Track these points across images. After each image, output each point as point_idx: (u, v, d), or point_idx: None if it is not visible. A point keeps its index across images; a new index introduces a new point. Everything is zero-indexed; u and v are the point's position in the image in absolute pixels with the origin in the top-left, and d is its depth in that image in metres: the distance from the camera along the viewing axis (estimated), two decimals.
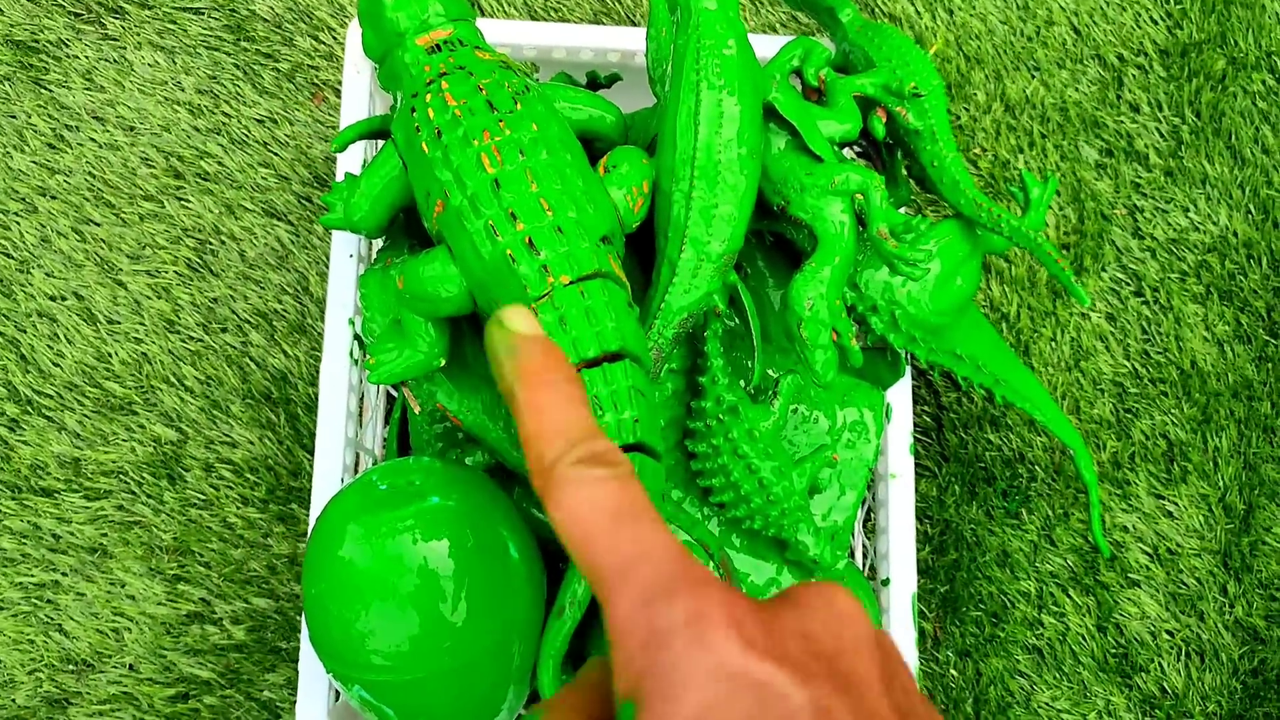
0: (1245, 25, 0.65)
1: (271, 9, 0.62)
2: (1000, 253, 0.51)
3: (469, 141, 0.38)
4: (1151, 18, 0.65)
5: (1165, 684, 0.58)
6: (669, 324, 0.43)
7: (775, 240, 0.49)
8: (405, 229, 0.47)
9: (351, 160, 0.51)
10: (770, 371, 0.47)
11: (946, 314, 0.48)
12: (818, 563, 0.44)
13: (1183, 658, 0.58)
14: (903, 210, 0.51)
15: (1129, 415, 0.61)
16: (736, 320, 0.47)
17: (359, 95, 0.50)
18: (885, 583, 0.48)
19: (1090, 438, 0.60)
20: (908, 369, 0.50)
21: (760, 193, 0.45)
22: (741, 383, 0.46)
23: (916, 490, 0.58)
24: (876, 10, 0.65)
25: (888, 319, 0.48)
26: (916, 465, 0.59)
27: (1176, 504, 0.60)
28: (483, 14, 0.63)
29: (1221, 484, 0.60)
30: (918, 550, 0.58)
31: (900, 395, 0.50)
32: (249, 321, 0.59)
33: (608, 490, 0.23)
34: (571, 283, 0.37)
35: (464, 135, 0.38)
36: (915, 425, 0.59)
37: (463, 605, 0.41)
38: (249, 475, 0.57)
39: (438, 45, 0.42)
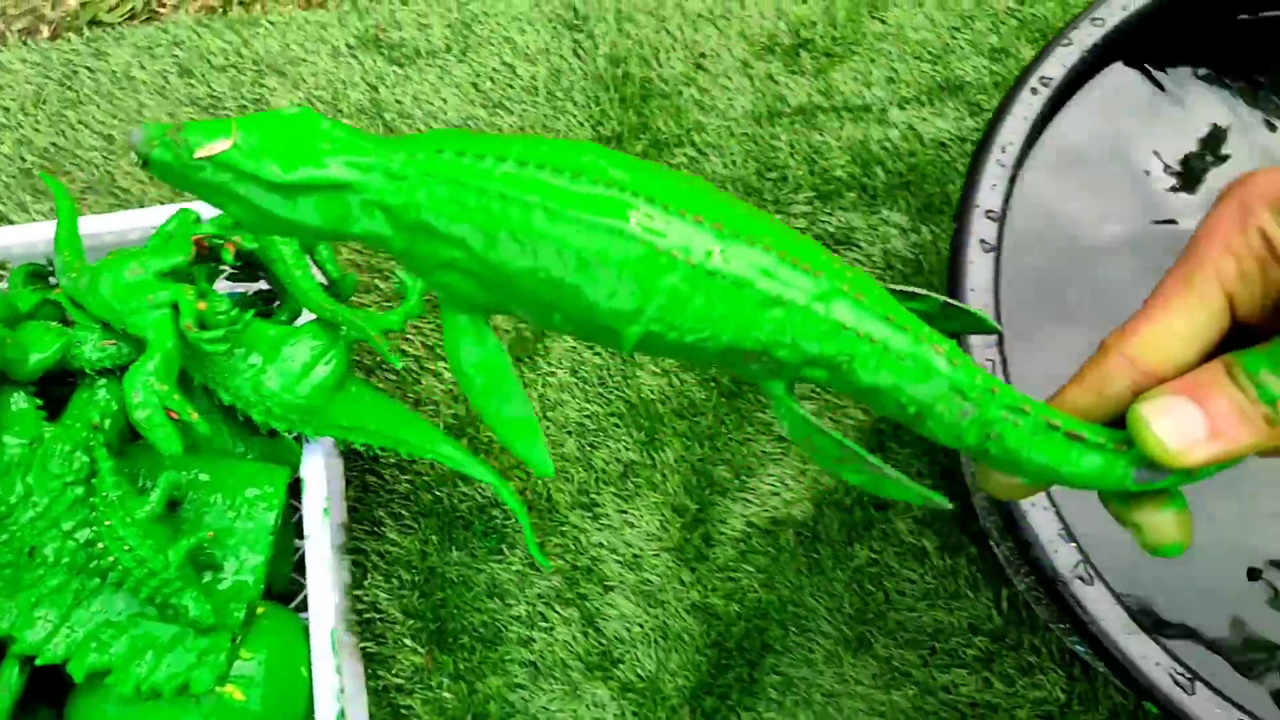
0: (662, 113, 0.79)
1: None
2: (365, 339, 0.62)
3: None
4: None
5: (640, 670, 0.67)
6: None
7: None
8: None
9: None
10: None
11: (318, 395, 0.59)
12: (199, 621, 0.54)
13: (652, 644, 0.67)
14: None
15: (590, 449, 0.71)
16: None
17: None
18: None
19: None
20: (319, 444, 0.61)
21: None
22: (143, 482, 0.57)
23: (400, 547, 0.68)
24: None
25: (263, 410, 0.59)
26: (401, 525, 0.69)
27: (636, 514, 0.70)
28: None
29: (671, 491, 0.70)
30: (403, 597, 0.68)
31: (315, 470, 0.61)
32: None
33: None
34: None
35: None
36: (395, 494, 0.70)
37: None
38: None
39: None
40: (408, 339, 0.74)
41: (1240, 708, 0.46)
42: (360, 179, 0.30)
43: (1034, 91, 0.55)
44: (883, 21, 0.83)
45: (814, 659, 0.68)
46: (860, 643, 0.68)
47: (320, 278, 0.64)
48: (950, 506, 0.31)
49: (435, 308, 0.75)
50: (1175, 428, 0.26)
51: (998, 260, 0.51)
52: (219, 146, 0.30)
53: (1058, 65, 0.55)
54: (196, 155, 0.30)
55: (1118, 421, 0.30)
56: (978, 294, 0.50)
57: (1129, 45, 0.58)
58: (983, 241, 0.52)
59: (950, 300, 0.32)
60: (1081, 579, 0.48)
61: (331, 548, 0.62)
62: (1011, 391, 0.30)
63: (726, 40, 0.82)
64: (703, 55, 0.81)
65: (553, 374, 0.73)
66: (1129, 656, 0.47)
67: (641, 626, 0.68)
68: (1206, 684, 0.46)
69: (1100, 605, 0.48)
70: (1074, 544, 0.49)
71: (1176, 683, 0.46)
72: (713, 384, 0.73)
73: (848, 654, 0.68)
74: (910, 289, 0.32)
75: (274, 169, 0.30)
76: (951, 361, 0.30)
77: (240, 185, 0.30)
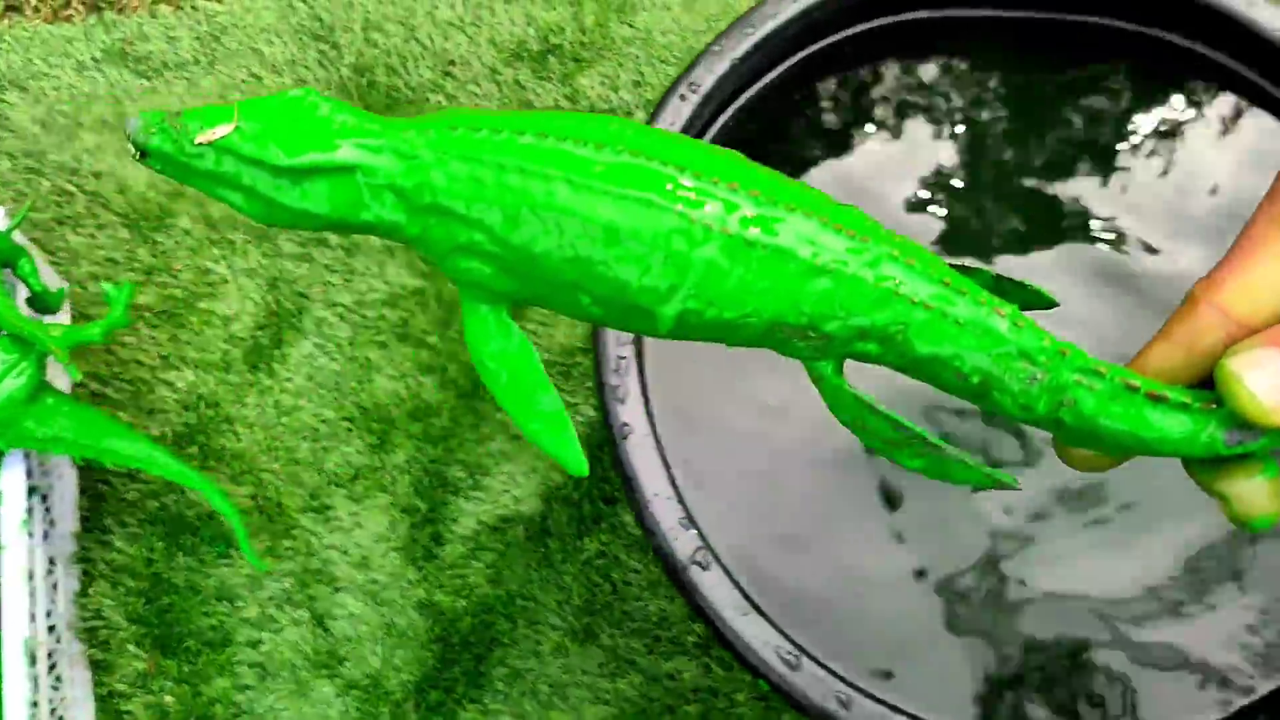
0: None
1: None
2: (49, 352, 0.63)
3: None
4: None
5: (365, 667, 0.69)
6: None
7: None
8: None
9: None
10: None
11: (9, 408, 0.60)
12: None
13: (379, 641, 0.69)
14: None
15: (323, 452, 0.73)
16: None
17: None
18: None
19: (294, 478, 0.72)
20: (18, 456, 0.62)
21: None
22: None
23: (126, 555, 0.69)
24: None
25: None
26: (127, 533, 0.70)
27: (366, 516, 0.71)
28: None
29: (400, 492, 0.72)
30: (128, 604, 0.69)
31: (13, 481, 0.61)
32: None
33: None
34: None
35: None
36: (124, 502, 0.70)
37: None
38: None
39: None
40: (143, 349, 0.74)
41: (842, 679, 0.48)
42: (370, 160, 0.29)
43: (682, 98, 0.57)
44: (631, 26, 0.85)
45: (541, 650, 0.70)
46: (587, 633, 0.70)
47: (25, 292, 0.65)
48: (1019, 487, 0.31)
49: (163, 317, 0.76)
50: (1271, 382, 0.24)
51: None
52: (220, 131, 0.29)
53: (705, 72, 0.58)
54: (197, 141, 0.29)
55: (1202, 385, 0.28)
56: None
57: (779, 50, 0.60)
58: None
59: (1003, 275, 0.30)
60: (699, 564, 0.50)
61: (41, 558, 0.63)
62: (1083, 354, 0.28)
63: (476, 47, 0.84)
64: (451, 63, 0.83)
65: (289, 379, 0.74)
66: (742, 637, 0.49)
67: (368, 625, 0.69)
68: (813, 659, 0.49)
69: (717, 590, 0.50)
70: (694, 530, 0.51)
71: (783, 660, 0.49)
72: (451, 385, 0.75)
73: (575, 644, 0.70)
74: (959, 264, 0.30)
75: (279, 153, 0.29)
76: (1015, 324, 0.28)
77: (245, 172, 0.29)
